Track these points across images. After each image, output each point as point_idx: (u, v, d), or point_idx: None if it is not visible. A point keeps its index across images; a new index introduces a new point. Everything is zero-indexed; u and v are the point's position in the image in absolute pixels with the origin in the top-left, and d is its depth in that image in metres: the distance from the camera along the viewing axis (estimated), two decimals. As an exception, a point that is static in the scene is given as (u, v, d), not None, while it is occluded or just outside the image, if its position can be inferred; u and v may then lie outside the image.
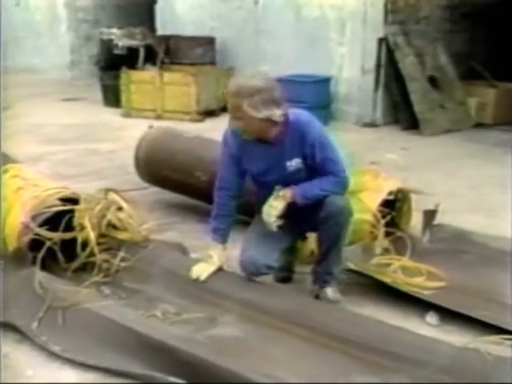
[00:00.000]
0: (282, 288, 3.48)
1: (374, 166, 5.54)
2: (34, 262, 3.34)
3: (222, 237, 3.40)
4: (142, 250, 3.60)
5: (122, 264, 3.52)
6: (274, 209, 3.21)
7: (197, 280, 3.32)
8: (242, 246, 3.39)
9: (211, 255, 3.38)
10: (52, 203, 3.51)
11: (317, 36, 8.08)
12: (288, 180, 3.26)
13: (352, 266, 3.51)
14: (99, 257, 3.50)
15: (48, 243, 3.40)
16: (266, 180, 3.34)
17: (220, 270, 3.38)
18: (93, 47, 11.31)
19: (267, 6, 8.60)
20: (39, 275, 3.23)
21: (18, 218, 3.45)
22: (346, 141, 6.39)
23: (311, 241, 3.62)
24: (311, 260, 3.62)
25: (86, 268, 3.55)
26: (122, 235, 3.65)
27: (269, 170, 3.31)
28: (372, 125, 7.77)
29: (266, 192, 3.29)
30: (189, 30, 9.28)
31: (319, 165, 3.23)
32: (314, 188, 3.23)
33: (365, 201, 3.79)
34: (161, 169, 4.64)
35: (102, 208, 3.60)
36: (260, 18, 8.68)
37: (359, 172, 4.06)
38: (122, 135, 7.07)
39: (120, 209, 3.69)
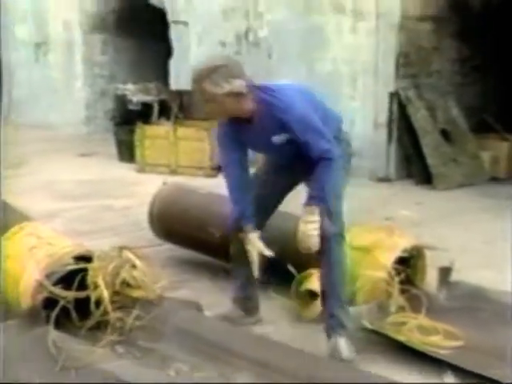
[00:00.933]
0: (295, 347, 3.45)
1: (388, 221, 5.54)
2: (47, 321, 3.34)
3: (251, 225, 3.50)
4: (155, 308, 3.58)
5: (136, 322, 3.50)
6: (310, 227, 3.26)
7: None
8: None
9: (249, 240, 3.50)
10: (66, 261, 3.52)
11: (329, 90, 8.14)
12: (281, 151, 3.40)
13: (367, 324, 3.47)
14: (113, 315, 3.49)
15: (62, 302, 3.40)
16: (262, 152, 3.61)
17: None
18: (108, 102, 11.48)
19: (281, 59, 8.70)
20: (53, 334, 3.22)
21: (33, 276, 3.46)
22: (360, 196, 6.46)
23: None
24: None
25: (101, 326, 3.53)
26: (135, 293, 3.64)
27: (259, 144, 3.47)
28: (386, 179, 7.77)
29: (269, 156, 3.60)
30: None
31: (304, 145, 3.28)
32: (322, 186, 3.29)
33: (379, 258, 3.78)
34: (174, 225, 4.66)
35: (116, 266, 3.60)
36: (273, 72, 8.78)
37: (374, 229, 4.07)
38: (136, 191, 7.11)
39: (134, 266, 3.69)
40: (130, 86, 9.35)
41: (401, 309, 3.67)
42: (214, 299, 4.09)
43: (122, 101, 9.30)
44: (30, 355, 3.17)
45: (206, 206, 4.55)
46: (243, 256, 3.59)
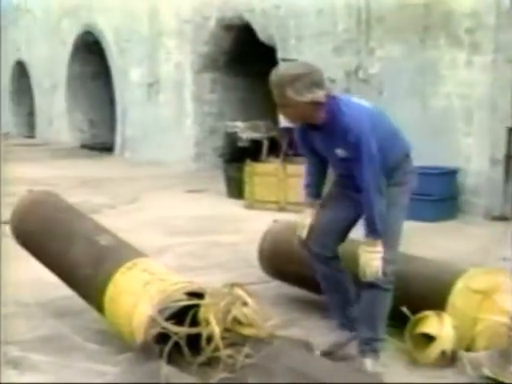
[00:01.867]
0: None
1: (505, 262, 5.29)
2: (160, 355, 3.34)
3: (314, 192, 3.72)
4: (266, 347, 3.53)
5: (247, 360, 3.45)
6: (372, 262, 3.38)
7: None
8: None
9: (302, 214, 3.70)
10: (178, 297, 3.53)
11: (443, 126, 7.96)
12: (342, 165, 3.51)
13: (488, 372, 3.30)
14: (224, 352, 3.45)
15: (174, 337, 3.40)
16: (328, 160, 3.66)
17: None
18: (217, 140, 11.68)
19: (392, 95, 8.59)
20: (165, 369, 3.22)
21: (146, 311, 3.48)
22: (475, 235, 6.23)
23: (444, 341, 3.48)
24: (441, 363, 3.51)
25: (211, 363, 3.51)
26: (246, 331, 3.60)
27: (325, 152, 3.58)
28: (502, 218, 7.47)
29: (335, 168, 3.70)
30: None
31: (353, 164, 3.38)
32: (372, 217, 3.37)
33: (500, 302, 3.59)
34: (284, 262, 4.61)
35: (228, 303, 3.57)
36: (384, 108, 8.65)
37: (492, 271, 3.89)
38: (244, 227, 7.13)
39: (245, 304, 3.66)
40: (240, 124, 9.46)
41: (525, 357, 3.46)
42: (325, 338, 4.00)
43: (231, 138, 9.42)
44: (142, 390, 3.17)
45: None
46: (329, 280, 3.77)
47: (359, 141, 3.30)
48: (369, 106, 3.59)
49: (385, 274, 3.44)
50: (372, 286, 3.49)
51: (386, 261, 3.42)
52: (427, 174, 7.45)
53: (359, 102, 3.59)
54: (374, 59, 8.83)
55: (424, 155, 7.92)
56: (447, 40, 7.89)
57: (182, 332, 3.44)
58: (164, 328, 3.41)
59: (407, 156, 3.67)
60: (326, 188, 3.86)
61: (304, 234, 3.67)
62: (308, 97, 3.28)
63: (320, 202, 3.77)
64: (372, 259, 3.39)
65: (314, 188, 3.76)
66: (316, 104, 3.32)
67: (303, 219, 3.72)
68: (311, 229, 3.72)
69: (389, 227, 3.42)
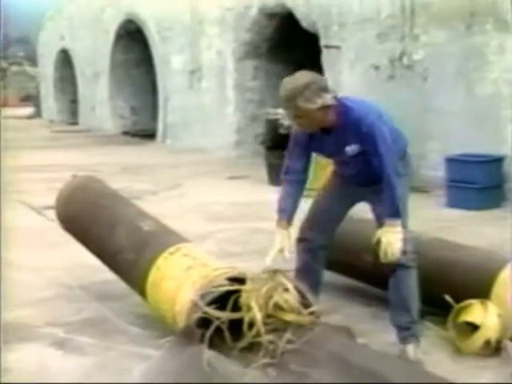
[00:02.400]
0: (453, 381, 3.25)
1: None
2: (202, 340, 3.35)
3: (287, 216, 3.70)
4: (308, 333, 3.51)
5: (288, 346, 3.45)
6: (394, 242, 3.44)
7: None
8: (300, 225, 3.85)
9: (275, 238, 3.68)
10: (220, 283, 3.54)
11: (488, 113, 7.83)
12: (352, 162, 3.61)
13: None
14: (265, 338, 3.45)
15: (216, 322, 3.41)
16: (332, 160, 3.82)
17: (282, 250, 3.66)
18: (258, 127, 11.67)
19: (437, 82, 8.48)
20: (207, 353, 3.23)
21: (188, 296, 3.50)
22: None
23: (488, 330, 3.43)
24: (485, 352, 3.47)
25: (252, 348, 3.51)
26: (288, 317, 3.59)
27: (332, 153, 3.70)
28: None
29: (338, 167, 3.83)
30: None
31: (371, 156, 3.48)
32: (394, 199, 3.46)
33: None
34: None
35: (269, 289, 3.57)
36: (428, 95, 8.57)
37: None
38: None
39: (286, 290, 3.65)
40: (281, 111, 9.40)
41: None
42: (367, 326, 4.00)
43: (272, 125, 9.39)
44: (184, 373, 3.19)
45: (360, 232, 4.45)
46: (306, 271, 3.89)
47: (372, 128, 3.45)
48: (368, 101, 3.77)
49: (405, 252, 3.51)
50: (396, 267, 3.55)
51: (405, 240, 3.51)
52: (472, 161, 7.36)
53: (363, 99, 3.77)
54: (418, 45, 8.71)
55: (469, 143, 7.84)
56: (495, 25, 7.73)
57: (224, 317, 3.45)
58: (206, 313, 3.42)
59: (405, 151, 3.79)
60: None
61: (268, 261, 3.65)
62: (318, 102, 3.41)
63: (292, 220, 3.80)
64: (395, 240, 3.46)
65: (289, 213, 3.74)
66: (326, 108, 3.45)
67: (277, 242, 3.72)
68: (310, 217, 3.91)
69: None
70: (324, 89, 3.46)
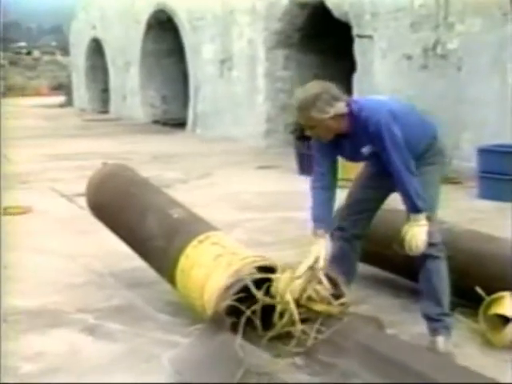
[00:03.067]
0: (484, 374, 3.22)
1: None
2: (231, 328, 3.35)
3: (323, 225, 3.64)
4: (337, 323, 3.50)
5: (318, 336, 3.43)
6: (418, 235, 3.45)
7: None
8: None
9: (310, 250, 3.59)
10: (250, 271, 3.53)
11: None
12: (371, 161, 3.68)
13: None
14: (298, 327, 3.44)
15: (255, 307, 3.40)
16: (354, 161, 3.85)
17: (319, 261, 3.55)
18: (288, 116, 11.63)
19: (471, 72, 8.37)
20: (238, 341, 3.23)
21: (218, 284, 3.50)
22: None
23: None
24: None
25: (281, 338, 3.50)
26: (318, 307, 3.58)
27: (351, 155, 3.70)
28: None
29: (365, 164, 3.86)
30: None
31: (381, 153, 3.48)
32: (409, 196, 3.46)
33: None
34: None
35: (304, 281, 3.56)
36: (462, 85, 8.46)
37: None
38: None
39: (320, 282, 3.63)
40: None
41: None
42: (396, 317, 3.98)
43: (303, 115, 9.34)
44: (213, 360, 3.19)
45: (391, 222, 4.41)
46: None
47: (379, 127, 3.43)
48: (387, 100, 3.81)
49: (432, 244, 3.50)
50: (424, 258, 3.54)
51: (431, 232, 3.50)
52: (504, 152, 7.25)
53: (376, 97, 3.84)
54: (452, 34, 8.60)
55: (503, 133, 7.74)
56: (531, 12, 7.62)
57: (261, 300, 3.43)
58: (239, 299, 3.41)
59: (435, 138, 3.74)
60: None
61: (299, 272, 3.53)
62: (331, 112, 3.41)
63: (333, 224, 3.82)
64: (419, 233, 3.46)
65: (324, 221, 3.67)
66: (339, 116, 3.45)
67: (317, 251, 3.59)
68: (345, 206, 3.93)
69: (427, 204, 3.52)
70: (336, 97, 3.45)
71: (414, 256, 3.53)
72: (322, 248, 3.60)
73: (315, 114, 3.41)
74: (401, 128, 3.46)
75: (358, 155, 3.63)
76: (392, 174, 3.50)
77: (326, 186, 3.70)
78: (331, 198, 3.73)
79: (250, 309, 3.41)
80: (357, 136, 3.53)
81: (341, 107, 3.44)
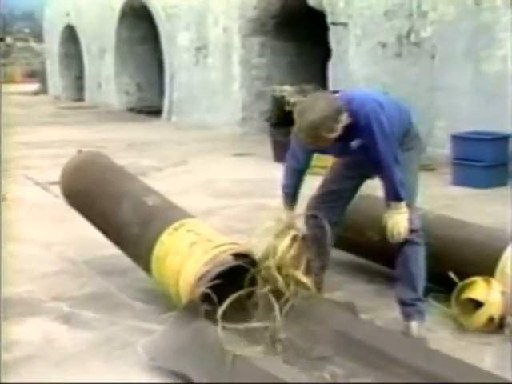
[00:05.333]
0: (459, 358, 3.27)
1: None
2: (205, 315, 3.37)
3: (290, 198, 3.78)
4: (312, 308, 3.53)
5: (294, 323, 3.46)
6: (400, 223, 3.48)
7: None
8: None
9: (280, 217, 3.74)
10: (225, 258, 3.55)
11: (496, 91, 7.77)
12: (356, 153, 3.60)
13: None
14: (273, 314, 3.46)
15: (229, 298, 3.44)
16: (337, 155, 3.87)
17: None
18: (264, 104, 11.64)
19: (444, 60, 8.42)
20: (213, 327, 3.24)
21: (192, 271, 3.51)
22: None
23: (492, 307, 3.44)
24: (488, 329, 3.50)
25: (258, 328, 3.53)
26: (293, 291, 3.60)
27: (340, 152, 3.72)
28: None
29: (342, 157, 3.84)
30: (360, 87, 9.27)
31: (369, 146, 3.49)
32: (395, 187, 3.48)
33: None
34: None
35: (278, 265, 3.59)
36: (436, 72, 8.52)
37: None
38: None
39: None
40: (287, 88, 9.40)
41: None
42: (370, 303, 4.01)
43: (278, 102, 9.35)
44: (187, 347, 3.21)
45: (365, 209, 4.45)
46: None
47: (369, 120, 3.44)
48: (369, 90, 3.92)
49: (412, 230, 3.54)
50: (403, 244, 3.56)
51: (411, 219, 3.53)
52: (479, 139, 7.32)
53: (361, 90, 3.82)
54: (426, 22, 8.64)
55: (476, 121, 7.80)
56: (505, 1, 7.65)
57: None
58: (214, 286, 3.42)
59: (410, 123, 3.79)
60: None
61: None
62: (339, 128, 3.39)
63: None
64: (400, 220, 3.49)
65: (295, 190, 3.82)
66: (343, 126, 3.43)
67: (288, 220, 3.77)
68: (320, 193, 3.95)
69: (407, 190, 3.55)
70: (340, 111, 3.40)
71: (393, 242, 3.56)
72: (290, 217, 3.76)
73: (325, 133, 3.37)
74: (386, 118, 3.48)
75: (347, 149, 3.59)
76: (377, 163, 3.52)
77: (297, 163, 3.79)
78: (300, 171, 3.81)
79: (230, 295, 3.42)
80: (347, 132, 3.47)
81: (345, 119, 3.40)
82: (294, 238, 3.70)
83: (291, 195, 3.81)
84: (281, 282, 3.54)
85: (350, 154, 3.71)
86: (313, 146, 3.55)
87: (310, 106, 3.42)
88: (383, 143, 3.45)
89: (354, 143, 3.54)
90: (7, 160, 9.38)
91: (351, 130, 3.47)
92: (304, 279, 3.63)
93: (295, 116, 3.44)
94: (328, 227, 3.82)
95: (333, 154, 3.86)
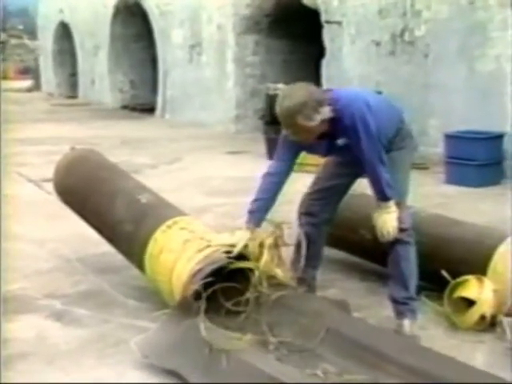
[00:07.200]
0: (447, 355, 3.28)
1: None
2: (198, 313, 3.36)
3: (256, 220, 3.64)
4: (305, 306, 3.54)
5: (285, 317, 3.46)
6: (389, 222, 3.48)
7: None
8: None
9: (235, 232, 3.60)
10: (218, 256, 3.55)
11: (490, 90, 7.79)
12: (343, 151, 3.58)
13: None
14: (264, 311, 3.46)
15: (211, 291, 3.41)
16: (323, 154, 3.80)
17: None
18: (258, 102, 11.64)
19: (438, 59, 8.44)
20: (205, 324, 3.24)
21: (185, 269, 3.51)
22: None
23: (484, 305, 3.46)
24: (480, 327, 3.53)
25: (249, 322, 3.53)
26: (282, 290, 3.61)
27: (326, 151, 3.68)
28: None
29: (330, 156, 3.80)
30: (354, 85, 9.29)
31: (354, 145, 3.47)
32: (381, 187, 3.47)
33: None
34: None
35: (267, 262, 3.58)
36: (429, 71, 8.54)
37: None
38: (285, 189, 7.09)
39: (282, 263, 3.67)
40: (281, 86, 9.38)
41: None
42: (363, 301, 4.03)
43: (272, 100, 9.27)
44: (180, 344, 3.21)
45: (358, 207, 4.46)
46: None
47: (354, 119, 3.41)
48: (360, 90, 3.88)
49: (402, 229, 3.54)
50: (394, 243, 3.56)
51: (401, 218, 3.53)
52: (472, 138, 7.34)
53: (351, 89, 3.79)
54: (420, 21, 8.66)
55: (470, 120, 7.82)
56: (498, 0, 7.67)
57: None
58: (207, 284, 3.42)
59: (402, 122, 3.76)
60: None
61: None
62: (317, 119, 3.35)
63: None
64: (389, 219, 3.49)
65: (261, 214, 3.71)
66: (324, 120, 3.40)
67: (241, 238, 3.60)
68: (313, 191, 3.92)
69: (397, 189, 3.54)
70: (321, 103, 3.37)
71: (383, 241, 3.57)
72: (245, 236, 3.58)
73: (301, 121, 3.33)
74: (374, 118, 3.45)
75: (333, 148, 3.59)
76: (362, 163, 3.51)
77: (278, 172, 3.68)
78: (278, 184, 3.70)
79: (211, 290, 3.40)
80: (332, 130, 3.48)
81: (326, 112, 3.37)
82: (262, 245, 3.60)
83: (257, 220, 3.67)
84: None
85: (336, 153, 3.71)
86: (294, 137, 3.49)
87: (288, 94, 3.43)
88: (367, 143, 3.42)
89: (340, 141, 3.52)
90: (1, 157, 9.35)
91: (337, 129, 3.46)
92: (280, 273, 3.59)
93: (276, 104, 3.42)
94: (321, 225, 3.83)
95: (319, 153, 3.82)
